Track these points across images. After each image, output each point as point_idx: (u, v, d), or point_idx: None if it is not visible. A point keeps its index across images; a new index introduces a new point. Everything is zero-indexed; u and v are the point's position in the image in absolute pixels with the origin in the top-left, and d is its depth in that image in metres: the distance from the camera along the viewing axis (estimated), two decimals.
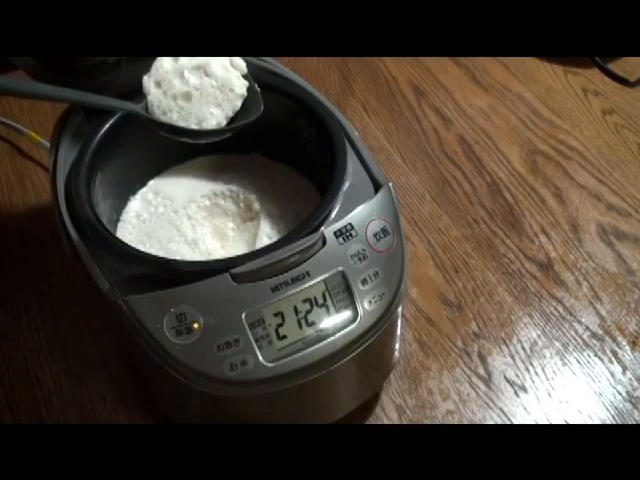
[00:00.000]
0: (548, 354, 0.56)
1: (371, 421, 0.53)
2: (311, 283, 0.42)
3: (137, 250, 0.44)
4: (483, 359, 0.56)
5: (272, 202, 0.52)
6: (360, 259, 0.43)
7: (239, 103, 0.46)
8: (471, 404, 0.54)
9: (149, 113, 0.45)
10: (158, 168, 0.55)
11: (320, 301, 0.43)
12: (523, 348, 0.57)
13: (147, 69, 0.46)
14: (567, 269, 0.62)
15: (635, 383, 0.55)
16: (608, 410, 0.53)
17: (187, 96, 0.45)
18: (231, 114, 0.46)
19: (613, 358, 0.56)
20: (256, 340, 0.41)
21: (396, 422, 0.52)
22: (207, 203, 0.53)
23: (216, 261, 0.44)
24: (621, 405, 0.54)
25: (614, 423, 0.52)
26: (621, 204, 0.66)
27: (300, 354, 0.42)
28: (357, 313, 0.43)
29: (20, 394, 0.53)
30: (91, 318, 0.57)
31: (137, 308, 0.41)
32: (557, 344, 0.57)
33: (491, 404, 0.54)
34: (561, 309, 0.59)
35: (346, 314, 0.43)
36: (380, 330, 0.44)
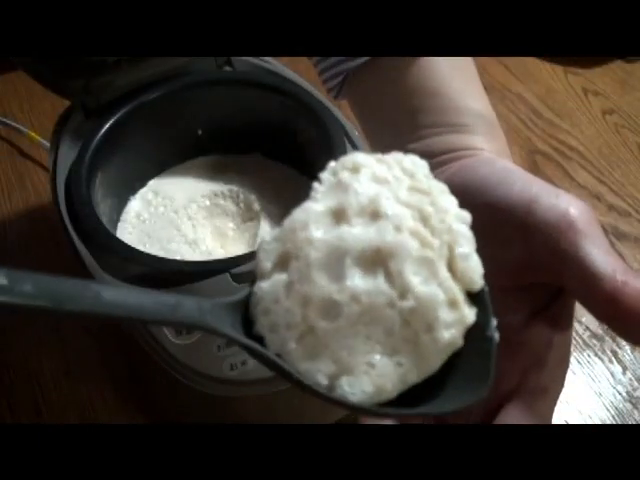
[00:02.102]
0: None
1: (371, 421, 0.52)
2: None
3: (137, 250, 0.44)
4: None
5: (272, 202, 0.52)
6: None
7: (439, 360, 0.25)
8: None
9: (250, 317, 0.25)
10: (158, 168, 0.55)
11: None
12: None
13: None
14: None
15: (635, 383, 0.55)
16: (608, 410, 0.53)
17: (333, 310, 0.24)
18: (412, 381, 0.25)
19: (613, 358, 0.56)
20: None
21: (396, 422, 0.52)
22: (207, 203, 0.53)
23: (216, 261, 0.44)
24: (621, 405, 0.54)
25: (614, 423, 0.52)
26: (621, 204, 0.66)
27: None
28: None
29: (20, 394, 0.53)
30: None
31: None
32: None
33: None
34: None
35: None
36: None
